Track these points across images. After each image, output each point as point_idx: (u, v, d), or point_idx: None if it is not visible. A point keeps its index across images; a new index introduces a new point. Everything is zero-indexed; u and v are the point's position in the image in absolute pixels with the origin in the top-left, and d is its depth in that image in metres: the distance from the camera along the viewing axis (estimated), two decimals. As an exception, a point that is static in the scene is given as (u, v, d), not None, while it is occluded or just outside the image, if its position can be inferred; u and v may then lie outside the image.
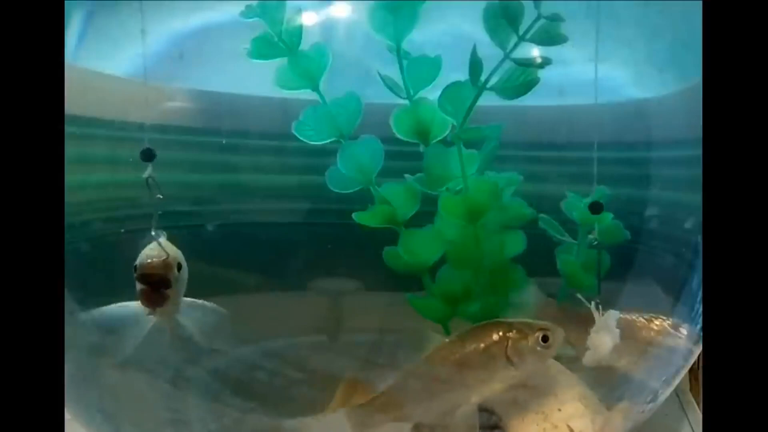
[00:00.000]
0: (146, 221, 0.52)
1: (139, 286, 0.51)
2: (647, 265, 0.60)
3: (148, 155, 0.51)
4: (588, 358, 0.55)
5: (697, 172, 0.45)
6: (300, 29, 0.54)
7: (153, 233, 0.52)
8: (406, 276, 0.58)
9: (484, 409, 0.56)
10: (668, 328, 0.60)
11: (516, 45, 0.53)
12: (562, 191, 0.59)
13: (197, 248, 0.57)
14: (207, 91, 0.59)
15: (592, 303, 0.53)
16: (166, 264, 0.51)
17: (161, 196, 0.51)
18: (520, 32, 0.53)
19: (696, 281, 0.59)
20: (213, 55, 0.58)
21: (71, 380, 0.52)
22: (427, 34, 0.55)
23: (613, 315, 0.53)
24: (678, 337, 0.60)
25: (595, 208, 0.53)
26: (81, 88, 0.57)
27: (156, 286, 0.51)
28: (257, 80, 0.57)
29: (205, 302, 0.55)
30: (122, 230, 0.59)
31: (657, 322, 0.60)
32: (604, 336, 0.54)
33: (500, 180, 0.58)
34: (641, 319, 0.60)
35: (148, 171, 0.51)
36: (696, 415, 0.76)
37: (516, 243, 0.59)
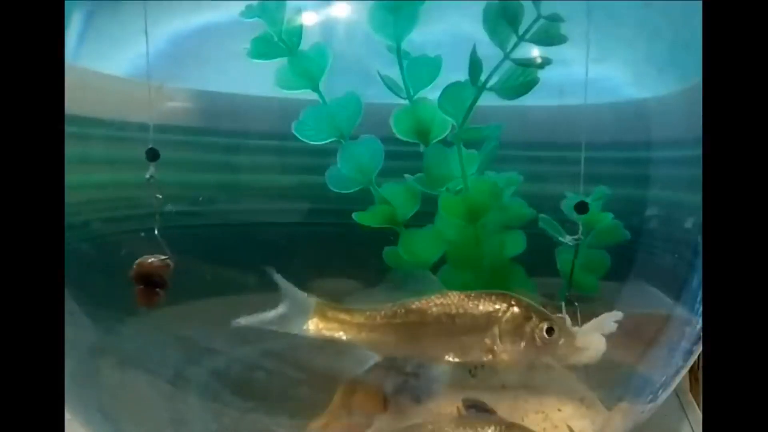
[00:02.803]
0: (146, 221, 0.52)
1: (136, 285, 0.52)
2: (647, 265, 0.60)
3: (152, 155, 0.51)
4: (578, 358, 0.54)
5: (697, 172, 0.45)
6: (300, 29, 0.54)
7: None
8: (406, 276, 0.58)
9: (484, 409, 0.56)
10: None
11: (516, 45, 0.53)
12: (562, 191, 0.59)
13: (197, 248, 0.57)
14: (207, 91, 0.59)
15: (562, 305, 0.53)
16: (160, 263, 0.52)
17: (160, 196, 0.51)
18: (520, 32, 0.53)
19: (696, 281, 0.59)
20: (213, 55, 0.58)
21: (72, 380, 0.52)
22: (427, 34, 0.55)
23: (615, 315, 0.53)
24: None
25: (581, 207, 0.53)
26: (81, 88, 0.57)
27: (152, 285, 0.51)
28: (257, 80, 0.57)
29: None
30: (122, 230, 0.59)
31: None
32: (595, 336, 0.53)
33: (500, 180, 0.58)
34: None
35: (150, 171, 0.51)
36: (696, 415, 0.76)
37: (516, 243, 0.59)
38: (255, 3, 0.54)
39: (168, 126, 0.58)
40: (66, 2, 0.47)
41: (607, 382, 0.60)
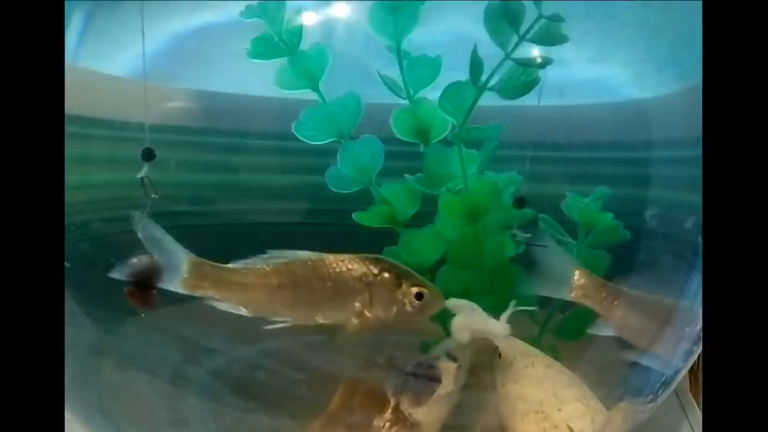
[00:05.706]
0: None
1: (126, 285, 0.52)
2: (647, 265, 0.60)
3: (147, 155, 0.51)
4: None
5: (697, 172, 0.45)
6: (300, 29, 0.54)
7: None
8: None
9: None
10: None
11: (516, 45, 0.53)
12: (562, 191, 0.59)
13: (197, 248, 0.57)
14: (207, 91, 0.59)
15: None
16: (152, 263, 0.52)
17: (156, 196, 0.51)
18: (521, 32, 0.53)
19: (696, 281, 0.59)
20: (213, 55, 0.58)
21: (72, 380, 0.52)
22: (427, 34, 0.55)
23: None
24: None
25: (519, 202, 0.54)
26: (81, 88, 0.57)
27: (142, 286, 0.51)
28: (257, 80, 0.57)
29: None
30: (122, 230, 0.59)
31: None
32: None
33: (500, 180, 0.58)
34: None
35: (144, 170, 0.51)
36: (696, 415, 0.76)
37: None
38: (255, 3, 0.54)
39: (168, 126, 0.58)
40: (66, 2, 0.47)
41: (607, 382, 0.60)
